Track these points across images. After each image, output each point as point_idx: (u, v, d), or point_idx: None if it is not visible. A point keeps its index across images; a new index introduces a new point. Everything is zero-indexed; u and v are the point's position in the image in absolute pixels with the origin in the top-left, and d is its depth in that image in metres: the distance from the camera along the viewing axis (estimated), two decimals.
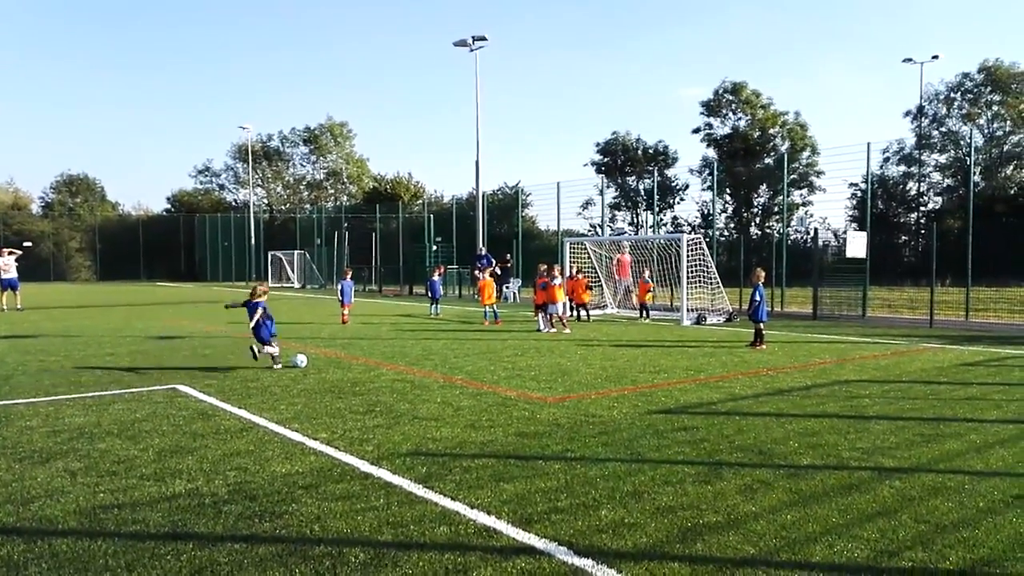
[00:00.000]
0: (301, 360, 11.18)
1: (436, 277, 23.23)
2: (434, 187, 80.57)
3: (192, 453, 6.19)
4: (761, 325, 13.68)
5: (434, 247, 37.14)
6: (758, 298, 13.70)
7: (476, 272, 32.84)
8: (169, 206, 70.74)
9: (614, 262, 23.68)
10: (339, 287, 19.80)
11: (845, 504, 4.88)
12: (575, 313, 19.88)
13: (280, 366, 10.98)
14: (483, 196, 34.92)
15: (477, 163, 34.17)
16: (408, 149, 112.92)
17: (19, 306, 23.57)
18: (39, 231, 57.77)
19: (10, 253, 24.09)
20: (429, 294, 23.00)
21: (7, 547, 4.18)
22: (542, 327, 16.87)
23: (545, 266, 17.51)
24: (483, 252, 33.11)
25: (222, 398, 8.58)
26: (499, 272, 32.32)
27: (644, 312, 20.78)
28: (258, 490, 5.21)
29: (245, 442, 6.56)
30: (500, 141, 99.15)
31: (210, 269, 57.45)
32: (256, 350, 11.01)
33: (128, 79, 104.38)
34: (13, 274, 23.60)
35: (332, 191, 72.93)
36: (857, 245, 21.11)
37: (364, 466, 5.81)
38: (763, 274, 14.14)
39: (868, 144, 22.19)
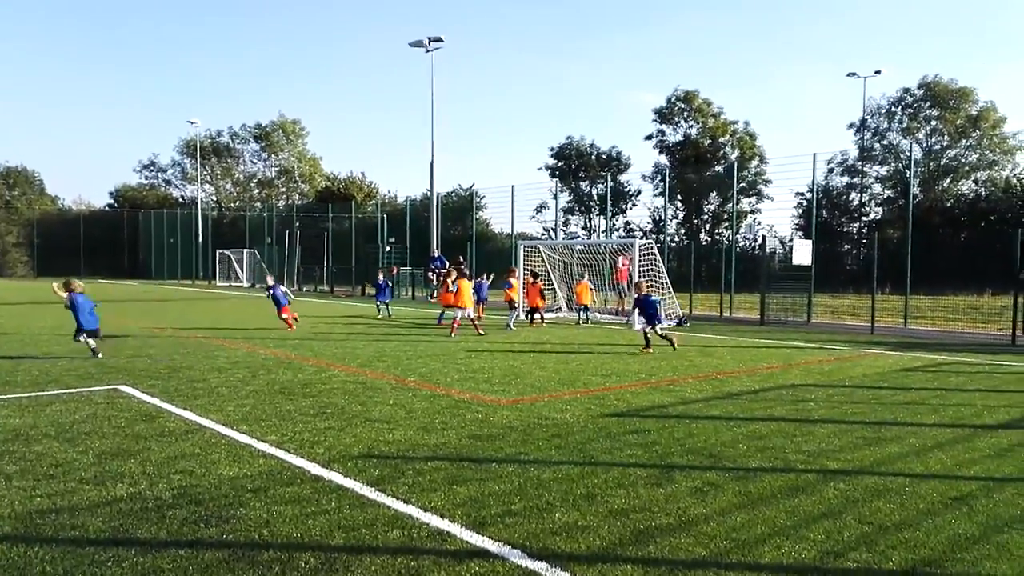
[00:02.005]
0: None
1: (381, 278, 22.78)
2: (388, 187, 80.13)
3: (134, 456, 5.99)
4: (656, 329, 13.98)
5: (387, 248, 36.82)
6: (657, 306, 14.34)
7: (429, 274, 32.73)
8: (112, 201, 68.69)
9: (619, 265, 23.20)
10: (270, 294, 17.66)
11: (792, 506, 4.99)
12: (530, 316, 19.93)
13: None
14: (437, 197, 34.77)
15: (431, 164, 34.02)
16: (362, 149, 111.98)
17: None
18: None
19: None
20: (375, 294, 22.61)
21: None
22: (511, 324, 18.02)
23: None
24: (437, 254, 32.96)
25: (166, 399, 8.34)
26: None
27: (584, 315, 20.98)
28: (204, 494, 5.08)
29: (191, 444, 6.39)
30: (455, 143, 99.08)
31: (155, 266, 55.94)
32: None
33: (70, 69, 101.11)
34: None
35: (284, 189, 71.83)
36: (803, 253, 21.67)
37: (315, 469, 5.71)
38: (645, 284, 14.95)
39: (814, 155, 22.88)
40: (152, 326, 17.48)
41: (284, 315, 17.13)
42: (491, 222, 42.89)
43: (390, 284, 23.10)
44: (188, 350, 12.87)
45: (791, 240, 28.24)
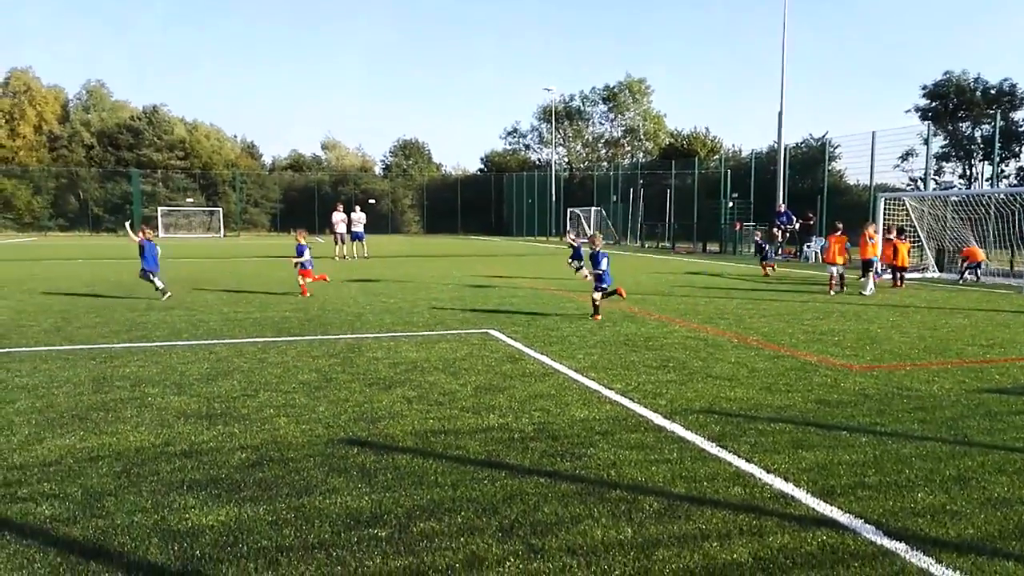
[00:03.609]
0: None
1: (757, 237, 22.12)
2: (732, 142, 77.56)
3: (502, 392, 6.84)
4: (597, 296, 11.42)
5: (730, 203, 35.80)
6: (604, 265, 11.52)
7: (775, 230, 31.09)
8: (482, 166, 76.93)
9: None
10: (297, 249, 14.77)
11: None
12: (893, 276, 18.01)
13: None
14: (785, 149, 32.73)
15: (780, 114, 32.06)
16: (706, 104, 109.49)
17: (366, 255, 27.85)
18: (380, 190, 66.68)
19: (362, 210, 28.79)
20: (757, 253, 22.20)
21: (362, 456, 5.04)
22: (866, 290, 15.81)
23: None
24: (783, 209, 31.17)
25: (527, 344, 9.29)
26: (798, 229, 30.28)
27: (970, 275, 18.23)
28: (559, 431, 5.62)
29: (547, 386, 7.07)
30: (807, 90, 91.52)
31: (515, 224, 61.62)
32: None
33: (451, 48, 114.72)
34: (361, 228, 28.09)
35: (628, 148, 73.57)
36: None
37: (657, 419, 5.95)
38: (600, 237, 12.11)
39: None
40: (514, 278, 19.40)
41: (303, 278, 14.51)
42: (845, 173, 39.05)
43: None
44: (543, 301, 14.08)
45: None
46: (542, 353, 8.68)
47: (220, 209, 59.26)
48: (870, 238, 16.05)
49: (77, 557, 3.55)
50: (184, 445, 5.24)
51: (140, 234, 14.22)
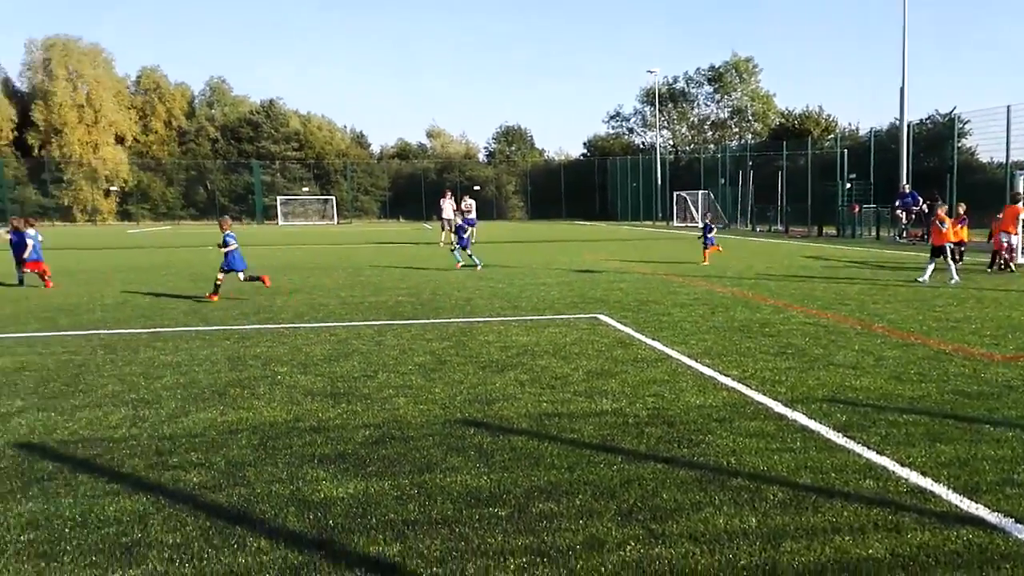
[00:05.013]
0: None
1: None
2: (848, 120, 73.56)
3: (615, 377, 6.79)
4: (219, 276, 11.33)
5: (848, 184, 34.00)
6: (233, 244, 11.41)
7: (897, 212, 29.31)
8: (585, 151, 76.34)
9: None
10: (11, 238, 14.58)
11: None
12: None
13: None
14: (908, 127, 30.72)
15: (902, 90, 30.09)
16: (819, 81, 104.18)
17: (473, 240, 28.39)
18: (484, 176, 67.46)
19: (471, 198, 29.61)
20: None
21: (479, 437, 5.14)
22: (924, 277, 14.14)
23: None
24: (907, 190, 29.34)
25: (637, 329, 9.19)
26: (926, 211, 28.40)
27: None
28: (675, 417, 5.53)
29: (660, 371, 6.97)
30: (932, 62, 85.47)
31: (620, 209, 60.86)
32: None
33: (552, 32, 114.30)
34: (473, 215, 28.83)
35: (736, 130, 71.08)
36: None
37: (777, 407, 5.76)
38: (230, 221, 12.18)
39: None
40: (620, 264, 19.21)
41: (28, 270, 14.24)
42: (977, 150, 36.30)
43: None
44: (653, 286, 13.86)
45: None
46: (653, 339, 8.56)
47: (333, 197, 61.71)
48: (941, 222, 14.34)
49: (224, 522, 3.81)
50: (313, 421, 5.51)
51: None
